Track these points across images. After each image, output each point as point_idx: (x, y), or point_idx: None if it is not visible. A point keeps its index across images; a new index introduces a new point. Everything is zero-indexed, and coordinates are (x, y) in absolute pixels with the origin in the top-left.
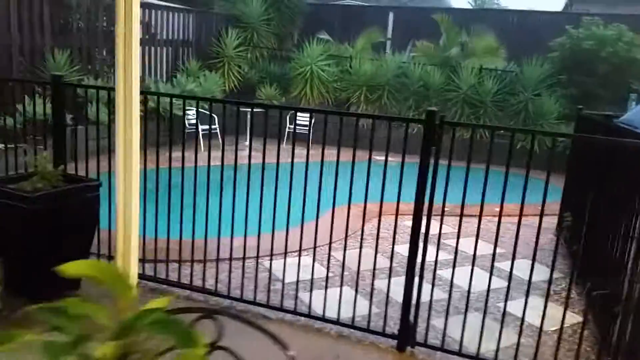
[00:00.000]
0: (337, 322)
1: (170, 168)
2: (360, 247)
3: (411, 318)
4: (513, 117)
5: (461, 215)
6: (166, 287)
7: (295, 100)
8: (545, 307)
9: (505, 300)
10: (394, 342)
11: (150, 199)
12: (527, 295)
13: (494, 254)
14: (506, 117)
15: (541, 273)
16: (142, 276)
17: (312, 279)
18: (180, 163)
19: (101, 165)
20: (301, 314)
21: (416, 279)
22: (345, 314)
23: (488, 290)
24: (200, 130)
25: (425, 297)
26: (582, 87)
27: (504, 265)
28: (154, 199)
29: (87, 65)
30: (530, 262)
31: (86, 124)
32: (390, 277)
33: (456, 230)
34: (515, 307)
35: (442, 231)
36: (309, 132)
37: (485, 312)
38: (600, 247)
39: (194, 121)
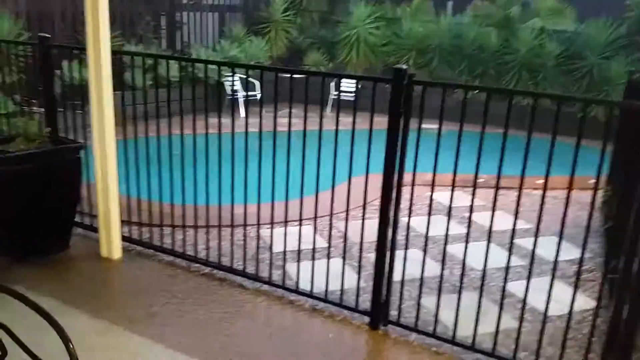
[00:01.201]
0: (310, 295)
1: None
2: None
3: (383, 295)
4: (576, 82)
5: (453, 185)
6: (152, 251)
7: (341, 66)
8: (526, 284)
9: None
10: (368, 319)
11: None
12: (529, 275)
13: (513, 229)
14: (569, 83)
15: (569, 252)
16: (128, 239)
17: (293, 249)
18: (216, 130)
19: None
20: (277, 285)
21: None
22: (331, 287)
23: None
24: (240, 97)
25: (414, 273)
26: None
27: (530, 242)
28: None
29: (131, 30)
30: (563, 241)
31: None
32: (361, 250)
33: (484, 203)
34: (522, 288)
35: (465, 204)
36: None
37: (459, 291)
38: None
39: (234, 87)
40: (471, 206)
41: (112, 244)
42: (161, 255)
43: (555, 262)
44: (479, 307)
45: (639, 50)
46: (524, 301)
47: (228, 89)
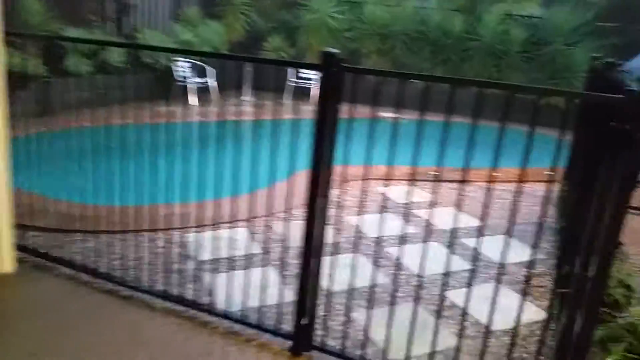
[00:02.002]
0: (225, 315)
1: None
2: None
3: (307, 314)
4: (539, 69)
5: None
6: (53, 264)
7: (302, 53)
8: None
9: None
10: (290, 343)
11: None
12: (469, 282)
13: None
14: (532, 70)
15: (521, 254)
16: (23, 248)
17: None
18: (157, 119)
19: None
20: (188, 305)
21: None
22: (254, 302)
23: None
24: (189, 83)
25: (351, 283)
26: (627, 36)
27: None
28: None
29: (72, 13)
30: (514, 240)
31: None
32: (282, 261)
33: (437, 199)
34: (464, 295)
35: (416, 199)
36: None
37: (387, 304)
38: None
39: (183, 74)
40: (407, 202)
41: (3, 255)
42: (62, 267)
43: (502, 264)
44: (412, 324)
45: (606, 37)
46: (463, 314)
47: (175, 75)
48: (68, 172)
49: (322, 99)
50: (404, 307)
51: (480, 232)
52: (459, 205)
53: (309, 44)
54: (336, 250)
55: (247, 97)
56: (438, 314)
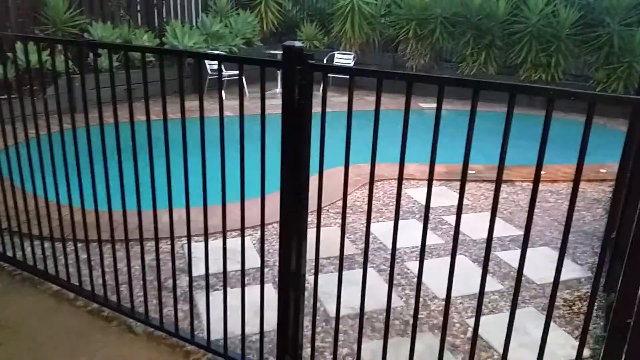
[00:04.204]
0: (207, 347)
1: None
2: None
3: (290, 350)
4: (593, 53)
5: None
6: (39, 279)
7: (336, 41)
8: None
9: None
10: None
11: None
12: (479, 307)
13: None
14: (585, 54)
15: (563, 270)
16: (12, 260)
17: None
18: (197, 114)
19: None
20: (169, 332)
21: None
22: (245, 330)
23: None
24: (223, 77)
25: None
26: None
27: (513, 255)
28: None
29: (99, 8)
30: (554, 250)
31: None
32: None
33: (470, 202)
34: (492, 328)
35: (447, 203)
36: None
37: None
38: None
39: (214, 66)
40: (427, 205)
41: None
42: (48, 283)
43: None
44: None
45: None
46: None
47: (209, 68)
48: (81, 174)
49: (286, 103)
50: (418, 337)
51: (520, 242)
52: (501, 209)
53: (343, 31)
54: (349, 265)
55: (279, 90)
56: (456, 347)
